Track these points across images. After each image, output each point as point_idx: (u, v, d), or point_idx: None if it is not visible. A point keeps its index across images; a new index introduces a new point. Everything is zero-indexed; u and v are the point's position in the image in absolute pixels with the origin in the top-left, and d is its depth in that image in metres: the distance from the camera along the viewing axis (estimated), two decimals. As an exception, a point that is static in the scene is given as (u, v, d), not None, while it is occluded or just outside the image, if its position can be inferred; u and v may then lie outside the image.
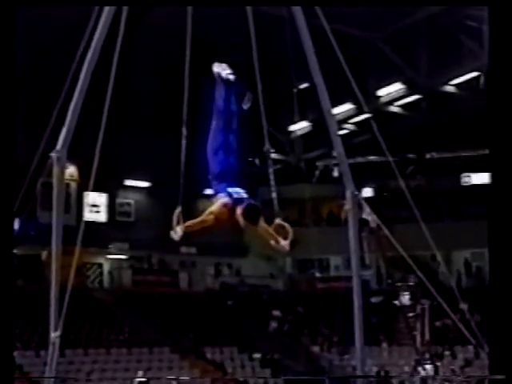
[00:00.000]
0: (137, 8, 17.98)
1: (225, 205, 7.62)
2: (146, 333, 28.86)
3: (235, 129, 7.66)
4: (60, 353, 7.52)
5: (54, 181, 7.98)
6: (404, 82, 31.80)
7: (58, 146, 8.00)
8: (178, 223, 7.66)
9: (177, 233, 7.62)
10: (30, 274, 28.59)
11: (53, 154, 7.96)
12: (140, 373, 18.35)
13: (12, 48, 6.78)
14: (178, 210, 7.82)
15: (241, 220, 7.56)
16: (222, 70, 7.70)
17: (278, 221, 7.89)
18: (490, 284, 6.15)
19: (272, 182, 8.13)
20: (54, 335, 7.48)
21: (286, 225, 7.84)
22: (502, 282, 5.92)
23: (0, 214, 6.53)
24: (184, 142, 8.16)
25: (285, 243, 7.81)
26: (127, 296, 32.32)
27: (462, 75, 30.46)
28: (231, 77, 7.60)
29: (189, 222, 7.69)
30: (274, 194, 8.13)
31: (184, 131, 8.21)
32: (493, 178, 6.45)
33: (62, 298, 7.73)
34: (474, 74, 29.52)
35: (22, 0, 9.59)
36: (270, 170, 8.22)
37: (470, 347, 25.67)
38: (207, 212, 7.62)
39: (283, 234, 7.84)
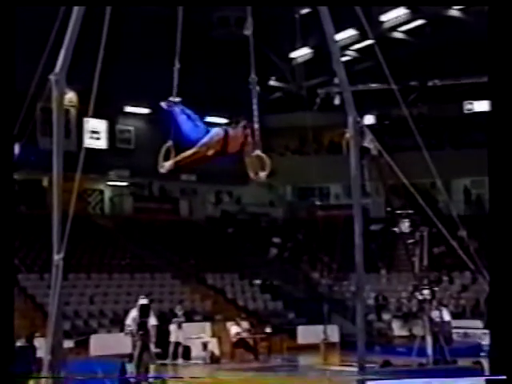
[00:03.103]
0: None
1: (217, 133, 7.60)
2: (148, 259, 29.25)
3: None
4: (63, 277, 7.61)
5: (54, 105, 7.87)
6: (408, 7, 31.15)
7: (57, 69, 7.86)
8: (167, 158, 7.73)
9: (163, 167, 7.76)
10: (32, 200, 28.79)
11: (51, 77, 7.83)
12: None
13: (11, 47, 6.71)
14: (168, 144, 7.90)
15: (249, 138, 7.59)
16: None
17: (257, 152, 7.78)
18: (490, 211, 6.17)
19: (255, 113, 7.94)
20: (58, 257, 7.55)
21: (264, 156, 7.76)
22: (501, 210, 5.94)
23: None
24: (176, 75, 8.09)
25: (262, 175, 7.81)
26: (128, 223, 32.61)
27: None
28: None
29: (180, 157, 7.74)
30: (256, 125, 7.95)
31: (177, 64, 8.11)
32: (493, 105, 6.38)
33: (63, 222, 7.77)
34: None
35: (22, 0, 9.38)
36: (254, 101, 8.01)
37: (467, 273, 26.13)
38: (199, 144, 7.61)
39: (261, 165, 7.79)
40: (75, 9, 7.78)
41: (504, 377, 5.59)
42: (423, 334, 16.28)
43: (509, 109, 6.11)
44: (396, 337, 25.73)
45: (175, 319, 20.98)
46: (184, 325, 21.24)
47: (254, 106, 7.94)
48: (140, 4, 23.64)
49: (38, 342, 17.60)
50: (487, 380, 8.63)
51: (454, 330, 20.56)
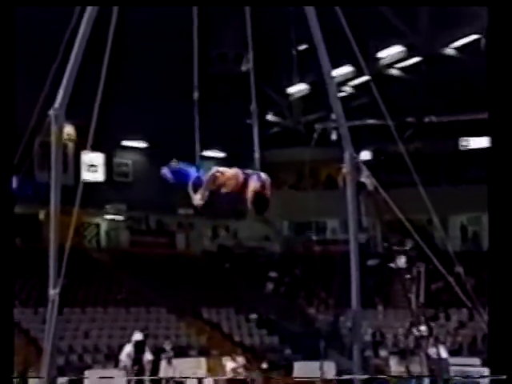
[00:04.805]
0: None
1: (236, 174, 7.23)
2: (144, 293, 29.08)
3: None
4: (58, 311, 7.56)
5: (52, 139, 7.92)
6: (404, 45, 31.55)
7: (56, 104, 7.93)
8: (196, 191, 7.36)
9: (195, 200, 7.32)
10: (28, 234, 28.71)
11: (51, 112, 7.89)
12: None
13: (11, 47, 6.77)
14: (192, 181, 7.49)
15: (249, 204, 7.27)
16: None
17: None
18: (489, 248, 6.16)
19: (256, 142, 7.84)
20: (54, 292, 7.51)
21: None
22: (501, 247, 5.94)
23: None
24: (196, 106, 7.86)
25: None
26: (125, 256, 32.49)
27: (462, 38, 30.23)
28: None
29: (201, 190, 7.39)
30: (257, 155, 7.81)
31: (195, 95, 7.96)
32: (493, 141, 6.42)
33: (60, 256, 7.75)
34: (475, 36, 29.27)
35: (22, 0, 9.53)
36: (255, 130, 7.89)
37: (464, 310, 26.01)
38: (216, 171, 7.27)
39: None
40: (76, 44, 7.88)
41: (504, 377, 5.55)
42: (420, 370, 16.16)
43: (509, 145, 6.15)
44: (393, 373, 25.48)
45: (164, 355, 20.78)
46: (179, 360, 21.01)
47: (255, 136, 7.85)
48: (139, 4, 23.80)
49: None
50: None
51: (451, 367, 20.40)
